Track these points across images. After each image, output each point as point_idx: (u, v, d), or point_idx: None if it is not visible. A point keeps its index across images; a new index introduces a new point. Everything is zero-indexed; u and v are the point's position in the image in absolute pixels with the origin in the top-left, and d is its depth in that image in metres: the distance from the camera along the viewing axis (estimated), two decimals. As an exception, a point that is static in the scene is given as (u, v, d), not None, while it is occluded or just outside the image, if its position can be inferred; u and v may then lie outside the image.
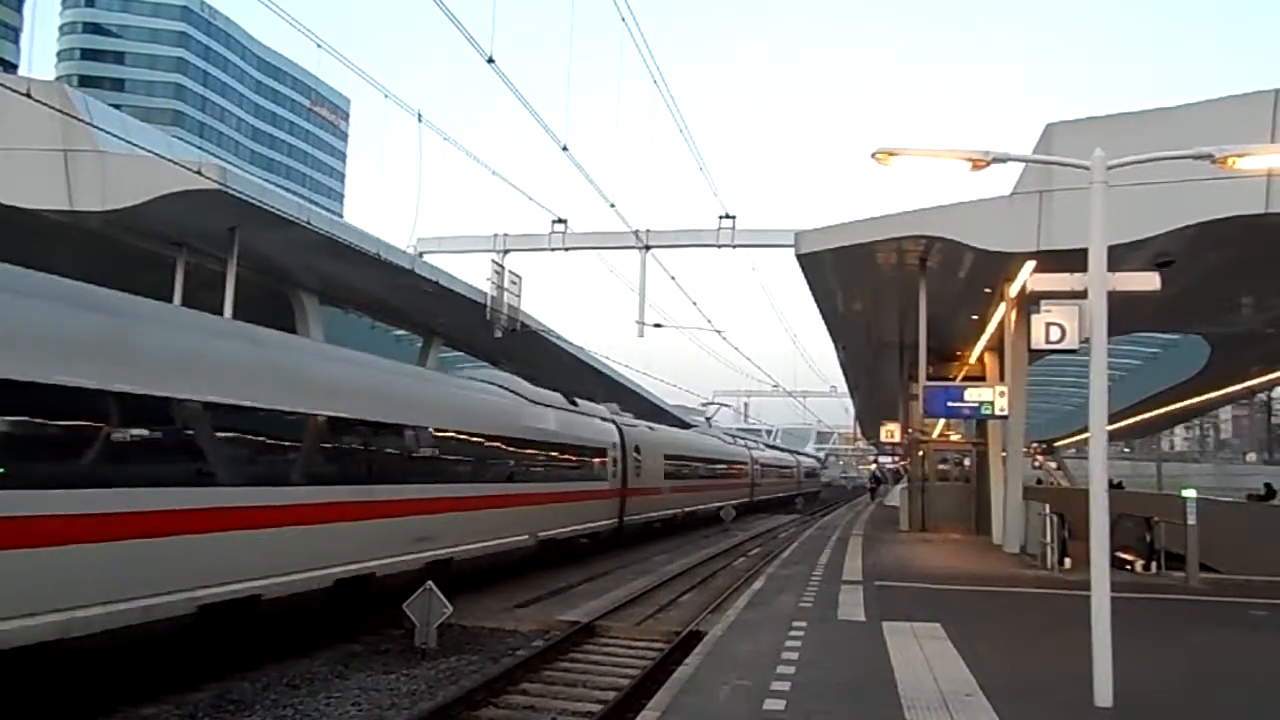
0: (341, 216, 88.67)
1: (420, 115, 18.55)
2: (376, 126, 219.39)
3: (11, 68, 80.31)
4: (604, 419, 24.21)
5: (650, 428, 29.62)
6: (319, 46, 14.59)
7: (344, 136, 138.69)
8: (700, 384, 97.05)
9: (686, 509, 31.78)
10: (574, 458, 21.08)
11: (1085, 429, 12.43)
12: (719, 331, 33.31)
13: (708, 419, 54.52)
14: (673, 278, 27.12)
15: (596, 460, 22.52)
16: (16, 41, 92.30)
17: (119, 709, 8.26)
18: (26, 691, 7.72)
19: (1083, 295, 7.81)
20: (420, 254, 27.06)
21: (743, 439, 56.03)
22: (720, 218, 25.43)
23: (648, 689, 8.69)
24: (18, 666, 7.23)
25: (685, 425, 47.56)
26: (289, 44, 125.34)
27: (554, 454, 19.74)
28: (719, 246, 25.86)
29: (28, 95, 11.73)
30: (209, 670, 9.48)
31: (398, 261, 23.26)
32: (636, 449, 25.34)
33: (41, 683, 7.89)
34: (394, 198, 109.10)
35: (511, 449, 17.58)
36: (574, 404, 22.30)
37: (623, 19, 15.69)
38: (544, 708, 9.06)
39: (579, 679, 10.29)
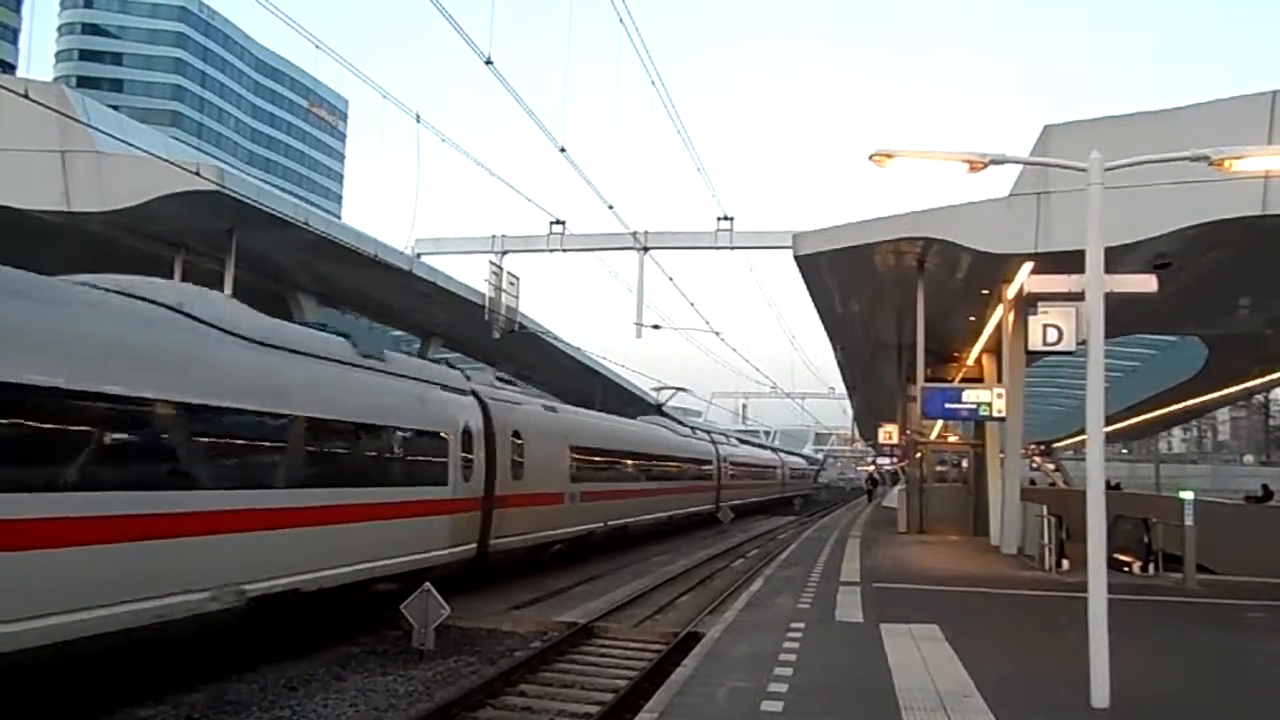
0: (340, 217, 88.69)
1: (419, 116, 18.57)
2: (375, 127, 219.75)
3: (10, 69, 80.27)
4: (450, 387, 15.54)
5: (549, 408, 20.95)
6: (317, 47, 14.59)
7: (342, 137, 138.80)
8: (698, 385, 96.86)
9: (610, 522, 23.09)
10: (359, 445, 12.76)
11: (1083, 430, 12.44)
12: (717, 333, 33.35)
13: (659, 406, 44.07)
14: (670, 279, 27.20)
15: (421, 449, 14.17)
16: (15, 42, 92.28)
17: (117, 710, 8.25)
18: (23, 693, 7.70)
19: (1080, 297, 7.82)
20: (418, 255, 27.08)
21: (703, 430, 45.28)
22: (718, 219, 25.46)
23: (646, 690, 8.68)
24: None
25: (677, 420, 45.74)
26: (287, 45, 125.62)
27: (300, 439, 11.29)
28: (717, 248, 25.87)
29: (25, 96, 11.75)
30: (206, 671, 9.46)
31: (395, 262, 23.27)
32: (516, 434, 17.22)
33: (38, 685, 7.87)
34: (392, 199, 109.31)
35: (169, 426, 9.32)
36: (377, 357, 13.78)
37: (620, 20, 15.71)
38: (542, 709, 9.05)
39: (577, 680, 10.29)
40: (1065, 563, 16.01)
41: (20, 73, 76.03)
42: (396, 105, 17.40)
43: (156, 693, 8.70)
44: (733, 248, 25.86)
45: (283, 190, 42.73)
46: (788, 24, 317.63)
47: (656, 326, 27.93)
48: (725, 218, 25.24)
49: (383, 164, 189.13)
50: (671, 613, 15.04)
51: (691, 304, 30.47)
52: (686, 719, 6.86)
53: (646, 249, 25.55)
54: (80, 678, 8.23)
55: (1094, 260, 7.49)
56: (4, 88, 13.01)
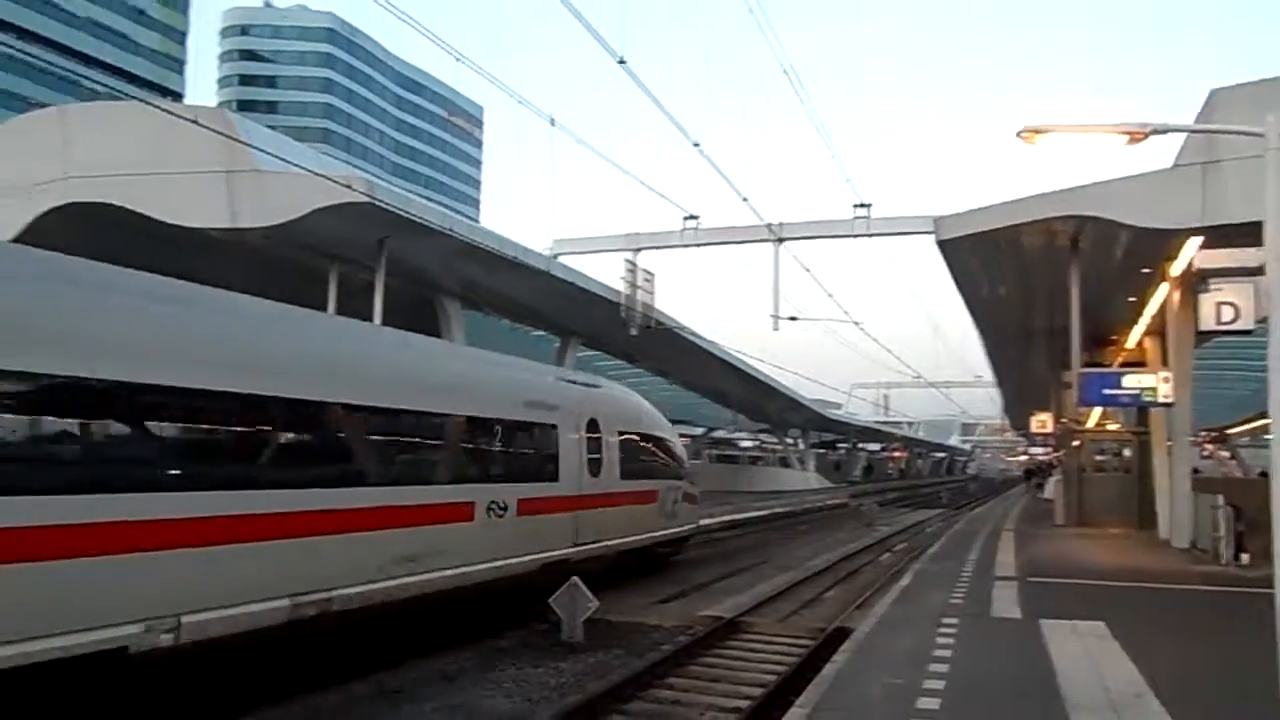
0: (478, 222, 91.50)
1: (553, 120, 18.90)
2: (511, 131, 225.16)
3: (178, 97, 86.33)
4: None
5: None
6: (458, 60, 15.06)
7: (479, 144, 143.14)
8: (838, 376, 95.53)
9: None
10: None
11: (1263, 415, 11.57)
12: (856, 323, 32.61)
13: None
14: (807, 269, 26.75)
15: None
16: (182, 72, 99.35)
17: (295, 697, 8.72)
18: (194, 684, 8.27)
19: (1259, 271, 7.27)
20: (555, 256, 27.63)
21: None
22: (855, 206, 24.92)
23: (795, 686, 8.60)
24: None
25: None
26: (425, 55, 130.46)
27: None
28: (854, 236, 25.33)
29: (196, 122, 12.62)
30: (368, 663, 9.88)
31: (534, 264, 23.81)
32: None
33: (217, 670, 8.44)
34: (529, 201, 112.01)
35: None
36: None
37: (751, 11, 15.58)
38: (691, 703, 9.08)
39: (724, 675, 10.26)
40: (1245, 556, 14.95)
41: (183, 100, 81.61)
42: (532, 110, 17.77)
43: (326, 682, 9.17)
44: (870, 235, 25.25)
45: (426, 199, 44.38)
46: (921, 4, 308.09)
47: (793, 318, 27.54)
48: (862, 205, 24.68)
49: (519, 167, 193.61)
50: (818, 608, 14.83)
51: (829, 294, 29.91)
52: (839, 715, 6.74)
53: (781, 240, 25.24)
54: (261, 664, 8.78)
55: (1274, 231, 6.95)
56: (179, 115, 14.02)
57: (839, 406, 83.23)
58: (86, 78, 55.63)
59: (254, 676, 8.78)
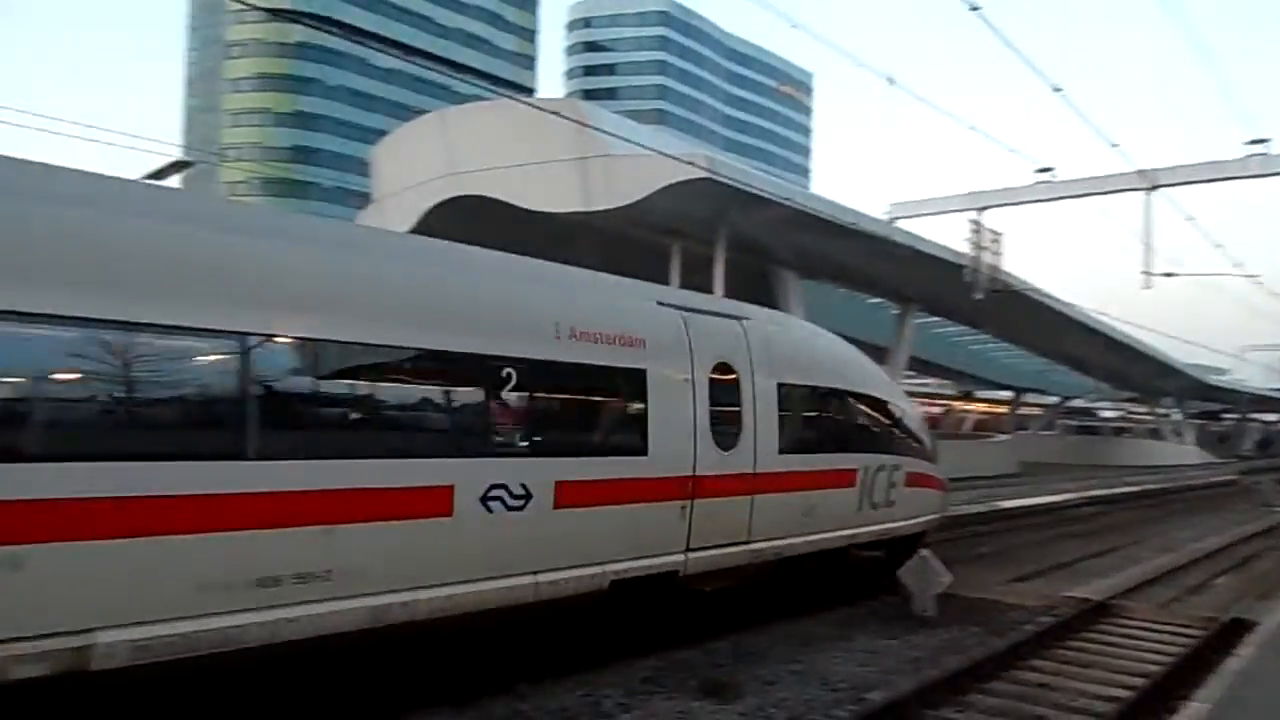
0: (808, 190, 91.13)
1: (891, 79, 18.26)
2: (845, 94, 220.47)
3: (530, 92, 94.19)
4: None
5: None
6: (793, 27, 15.05)
7: (808, 111, 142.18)
8: (1224, 338, 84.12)
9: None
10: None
11: None
12: (1251, 276, 28.42)
13: None
14: (1190, 218, 23.68)
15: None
16: (533, 69, 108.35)
17: (652, 653, 9.23)
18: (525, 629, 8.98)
19: None
20: (893, 220, 26.85)
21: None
22: (1247, 144, 21.71)
23: (1183, 679, 7.80)
24: None
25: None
26: (755, 25, 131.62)
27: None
28: (1247, 178, 22.12)
29: (557, 114, 13.73)
30: (725, 623, 10.24)
31: (871, 229, 23.29)
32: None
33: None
34: (864, 166, 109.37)
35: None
36: None
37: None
38: (1060, 687, 8.52)
39: (1096, 660, 9.53)
40: None
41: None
42: (868, 70, 17.33)
43: (679, 641, 9.62)
44: (1269, 175, 21.93)
45: (758, 170, 44.87)
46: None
47: (1169, 274, 24.56)
48: (1257, 141, 21.43)
49: (853, 132, 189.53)
50: (1206, 595, 13.33)
51: (1217, 245, 26.21)
52: (1254, 714, 6.00)
53: (1154, 187, 22.59)
54: (620, 621, 9.42)
55: None
56: (543, 109, 15.31)
57: (1223, 372, 73.60)
58: (459, 79, 62.16)
59: (609, 631, 9.40)
